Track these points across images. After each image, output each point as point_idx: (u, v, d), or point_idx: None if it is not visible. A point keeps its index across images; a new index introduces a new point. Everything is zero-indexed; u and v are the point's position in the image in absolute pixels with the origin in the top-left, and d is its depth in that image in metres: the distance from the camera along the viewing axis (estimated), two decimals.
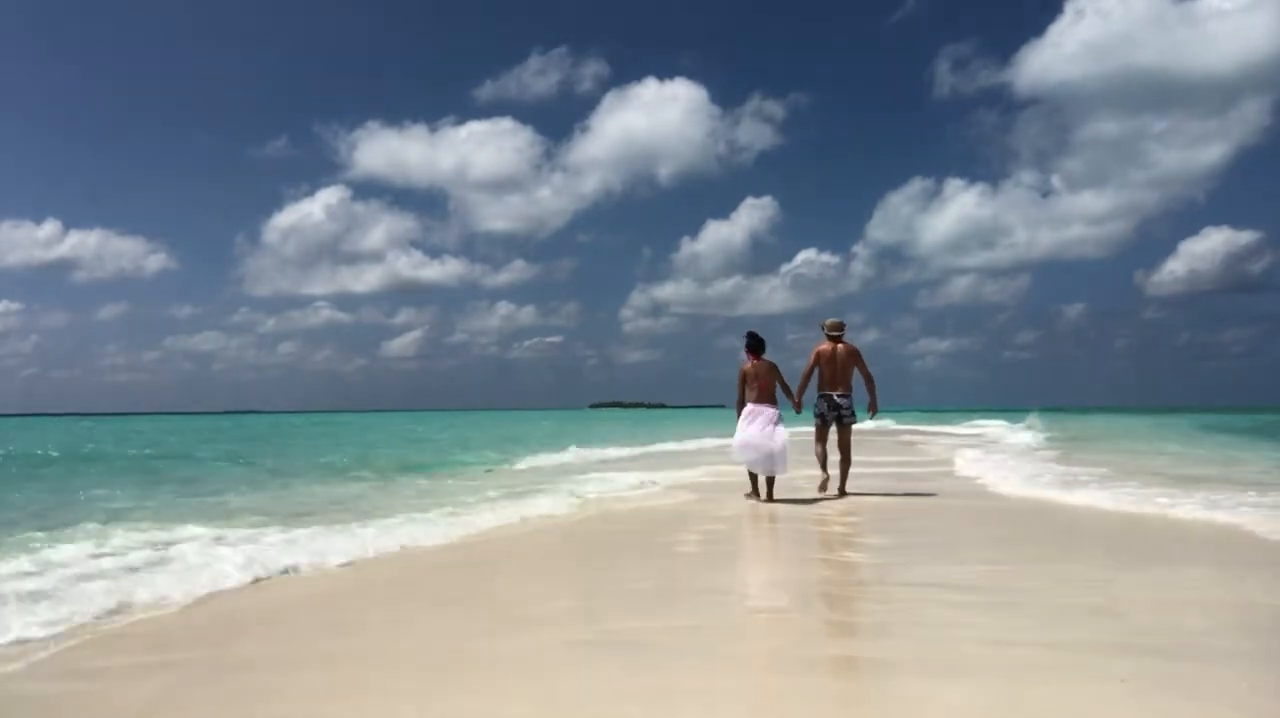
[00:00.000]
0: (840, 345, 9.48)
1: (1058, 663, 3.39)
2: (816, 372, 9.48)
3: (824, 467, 9.69)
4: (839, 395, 9.45)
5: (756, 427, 9.01)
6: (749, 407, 9.18)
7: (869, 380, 9.60)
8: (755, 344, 9.30)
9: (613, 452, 20.44)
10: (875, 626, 4.16)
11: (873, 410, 10.00)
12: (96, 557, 5.88)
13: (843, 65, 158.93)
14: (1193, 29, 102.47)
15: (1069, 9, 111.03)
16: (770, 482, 9.19)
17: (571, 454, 19.05)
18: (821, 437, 9.66)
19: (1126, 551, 6.21)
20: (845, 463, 9.62)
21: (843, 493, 9.55)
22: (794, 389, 9.50)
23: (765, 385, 9.19)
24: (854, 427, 9.78)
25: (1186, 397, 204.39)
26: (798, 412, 9.66)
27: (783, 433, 9.01)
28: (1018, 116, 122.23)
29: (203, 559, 5.67)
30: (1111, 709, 2.89)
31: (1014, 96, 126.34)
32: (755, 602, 4.87)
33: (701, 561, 6.05)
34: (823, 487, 9.60)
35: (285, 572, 5.53)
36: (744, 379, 9.27)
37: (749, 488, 9.47)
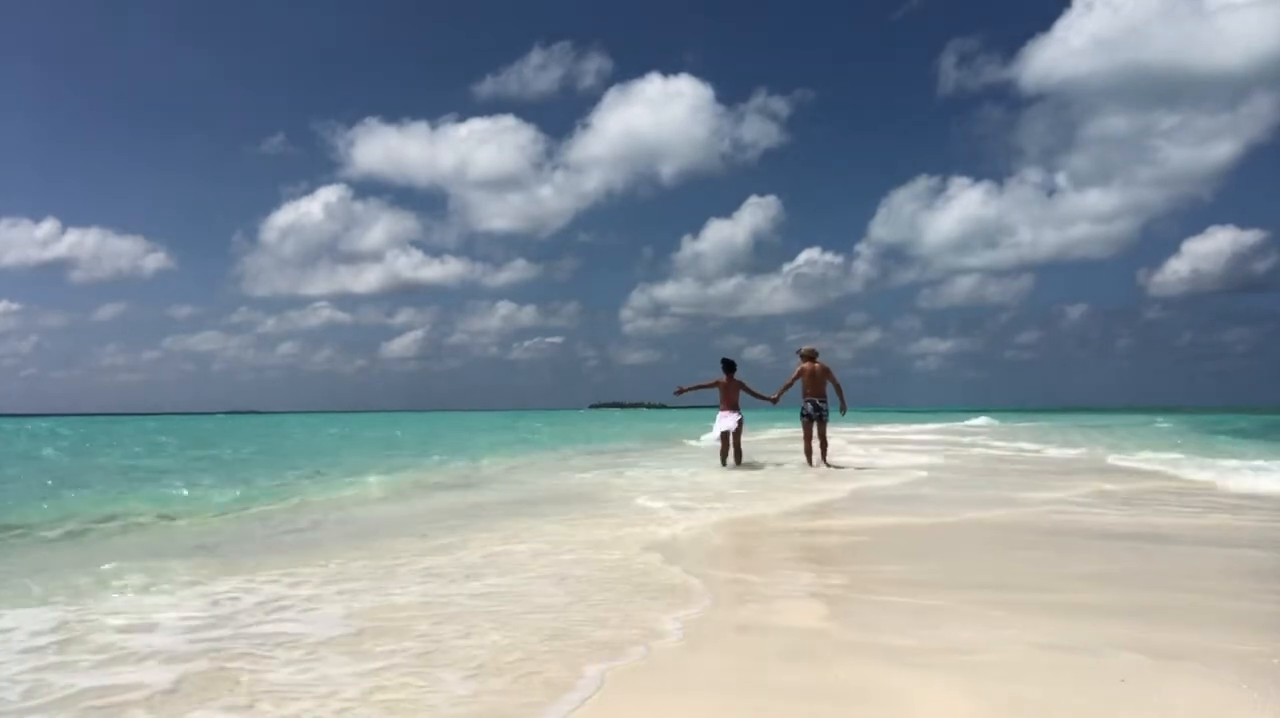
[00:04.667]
0: (816, 365, 13.45)
1: (1058, 663, 3.39)
2: (799, 383, 13.39)
3: (809, 454, 13.50)
4: (819, 401, 13.43)
5: (724, 421, 13.44)
6: (720, 413, 13.49)
7: (838, 388, 13.60)
8: (727, 367, 13.67)
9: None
10: (872, 623, 4.15)
11: (843, 410, 13.77)
12: None
13: (848, 61, 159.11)
14: (1203, 23, 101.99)
15: (1077, 2, 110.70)
16: (737, 454, 13.51)
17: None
18: (807, 430, 13.54)
19: None
20: (824, 446, 13.50)
21: (825, 464, 13.27)
22: (777, 389, 13.66)
23: (730, 398, 13.50)
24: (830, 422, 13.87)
25: (1188, 397, 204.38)
26: (774, 404, 13.82)
27: (735, 419, 13.45)
28: (1023, 113, 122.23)
29: None
30: (1111, 709, 2.90)
31: (1020, 93, 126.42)
32: (752, 598, 4.86)
33: (693, 559, 6.04)
34: (809, 464, 13.35)
35: None
36: (715, 385, 13.54)
37: (719, 462, 13.50)
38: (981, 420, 45.10)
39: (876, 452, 18.55)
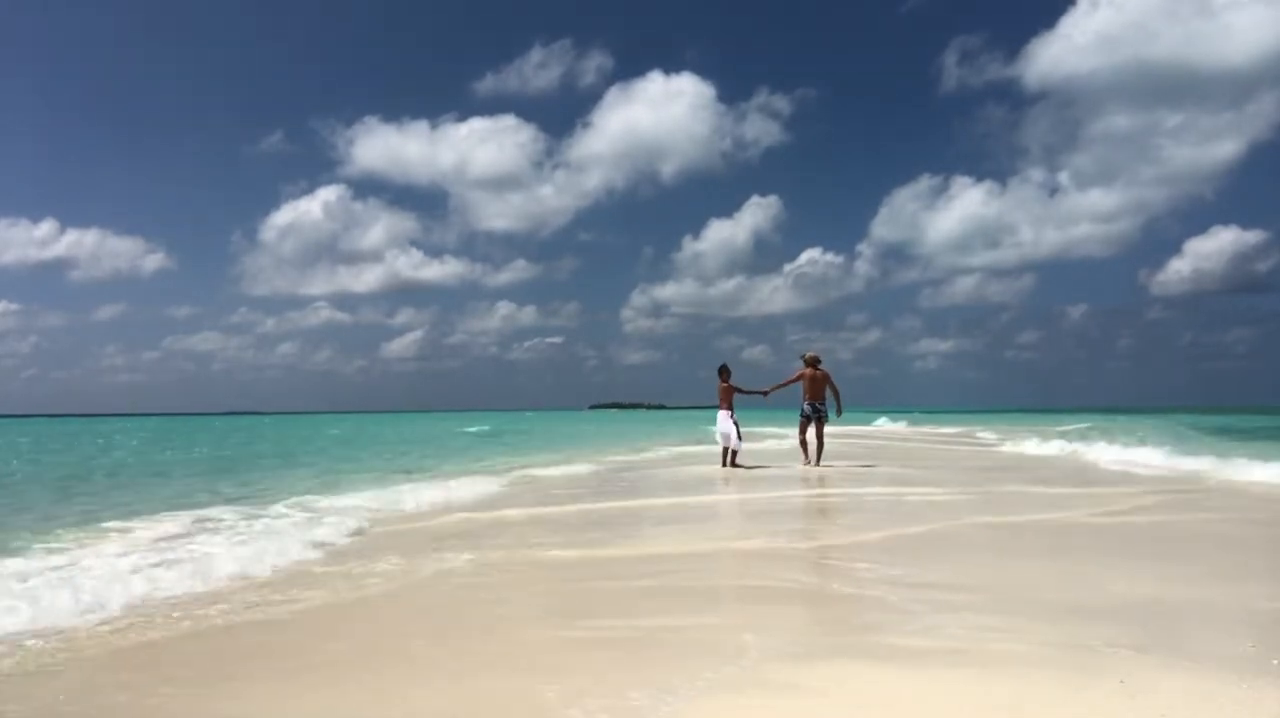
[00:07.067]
0: (818, 371, 14.40)
1: (1058, 663, 3.40)
2: (800, 385, 14.38)
3: (805, 450, 14.58)
4: (817, 404, 14.46)
5: (725, 424, 14.46)
6: (721, 412, 14.57)
7: (836, 392, 14.59)
8: (723, 373, 14.70)
9: None
10: (870, 623, 4.16)
11: (839, 412, 14.71)
12: None
13: (850, 59, 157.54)
14: (1208, 20, 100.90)
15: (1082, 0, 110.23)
16: (733, 455, 14.47)
17: None
18: (804, 429, 14.61)
19: None
20: (820, 447, 14.51)
21: (819, 463, 14.28)
22: (772, 386, 15.00)
23: (728, 400, 14.55)
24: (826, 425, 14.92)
25: (1188, 398, 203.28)
26: (765, 397, 15.05)
27: (729, 419, 14.48)
28: (1026, 112, 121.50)
29: None
30: (1112, 709, 2.90)
31: (1023, 91, 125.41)
32: (750, 594, 4.87)
33: (690, 559, 6.05)
34: (805, 462, 14.46)
35: None
36: (721, 391, 14.69)
37: (720, 462, 14.61)
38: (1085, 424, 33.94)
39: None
